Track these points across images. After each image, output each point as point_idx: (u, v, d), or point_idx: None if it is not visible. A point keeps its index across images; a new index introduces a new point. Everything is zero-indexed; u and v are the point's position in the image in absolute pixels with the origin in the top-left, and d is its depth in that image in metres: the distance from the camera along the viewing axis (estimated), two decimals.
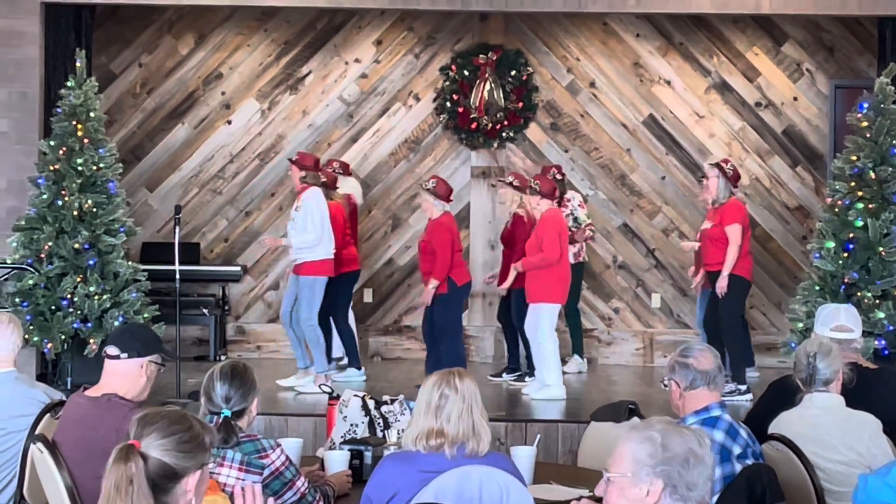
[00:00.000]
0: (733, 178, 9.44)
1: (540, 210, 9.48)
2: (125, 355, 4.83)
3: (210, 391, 4.46)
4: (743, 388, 9.35)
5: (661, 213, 12.10)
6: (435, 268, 9.56)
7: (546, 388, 9.41)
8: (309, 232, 9.50)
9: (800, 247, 11.77)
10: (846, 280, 9.05)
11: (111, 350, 4.87)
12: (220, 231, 12.20)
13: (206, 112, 12.21)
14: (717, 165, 9.45)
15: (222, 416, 4.38)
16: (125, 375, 4.83)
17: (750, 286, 9.78)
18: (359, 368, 10.42)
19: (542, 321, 9.37)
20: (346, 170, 11.22)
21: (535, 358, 9.68)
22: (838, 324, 6.00)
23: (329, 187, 10.21)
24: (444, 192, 9.67)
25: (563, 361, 10.36)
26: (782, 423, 5.20)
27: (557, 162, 11.86)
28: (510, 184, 10.12)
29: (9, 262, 9.56)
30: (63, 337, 9.35)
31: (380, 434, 5.49)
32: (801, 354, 5.28)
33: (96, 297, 9.37)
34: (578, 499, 4.02)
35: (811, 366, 5.21)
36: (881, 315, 8.89)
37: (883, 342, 8.90)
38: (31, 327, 9.27)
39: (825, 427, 5.09)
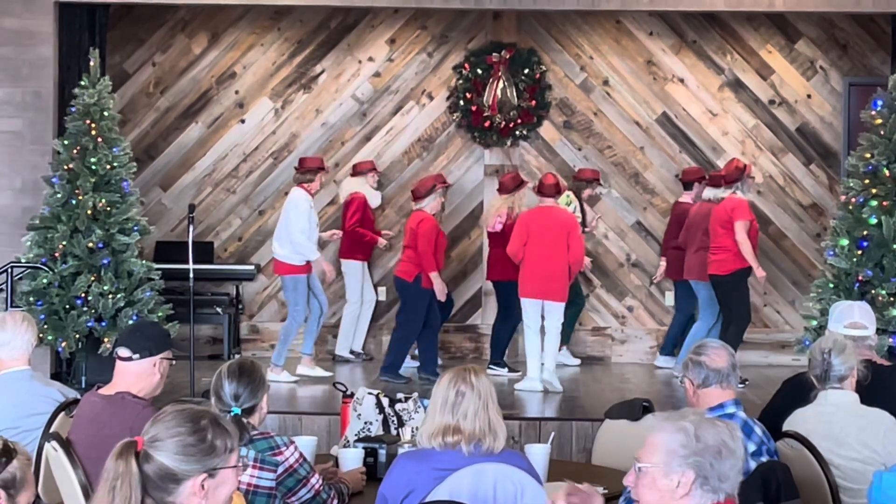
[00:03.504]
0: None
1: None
2: (137, 356, 4.85)
3: (219, 390, 4.46)
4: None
5: None
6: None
7: (531, 380, 9.75)
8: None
9: (814, 244, 11.75)
10: (860, 278, 9.02)
11: (123, 352, 4.87)
12: (234, 230, 12.21)
13: (220, 111, 12.22)
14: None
15: (232, 413, 4.39)
16: (139, 375, 4.85)
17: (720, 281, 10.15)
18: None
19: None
20: (354, 170, 11.54)
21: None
22: (852, 321, 5.99)
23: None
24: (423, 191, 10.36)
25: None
26: (797, 421, 5.19)
27: (571, 160, 11.88)
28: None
29: (23, 261, 9.58)
30: (77, 336, 9.37)
31: (394, 432, 5.49)
32: (816, 351, 5.27)
33: (110, 296, 9.38)
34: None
35: (826, 362, 5.20)
36: (895, 312, 8.87)
37: None
38: (46, 326, 9.29)
39: (840, 424, 5.08)
